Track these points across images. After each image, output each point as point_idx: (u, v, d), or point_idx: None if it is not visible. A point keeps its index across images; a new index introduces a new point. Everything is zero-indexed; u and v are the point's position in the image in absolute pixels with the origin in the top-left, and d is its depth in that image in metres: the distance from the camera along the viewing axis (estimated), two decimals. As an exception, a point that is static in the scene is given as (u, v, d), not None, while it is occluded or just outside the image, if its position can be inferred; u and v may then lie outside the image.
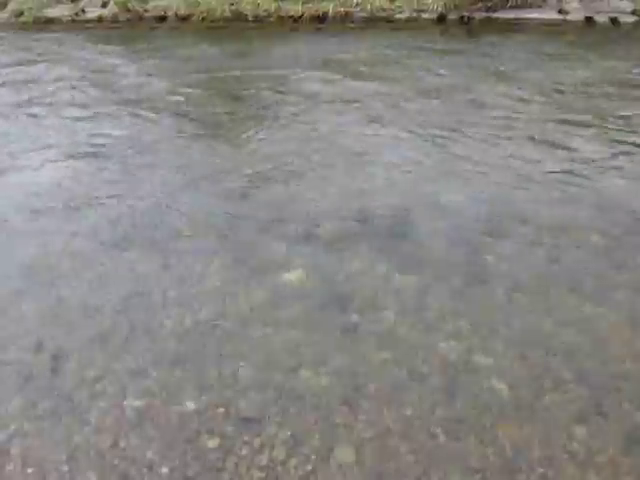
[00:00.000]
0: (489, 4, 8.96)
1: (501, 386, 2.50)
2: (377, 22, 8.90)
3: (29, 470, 2.28)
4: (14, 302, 3.16)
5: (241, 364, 2.69)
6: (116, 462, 2.29)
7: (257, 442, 2.32)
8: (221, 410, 2.48)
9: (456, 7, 9.00)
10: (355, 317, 2.93)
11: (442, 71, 6.48)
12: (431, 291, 3.09)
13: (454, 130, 4.99)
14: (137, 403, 2.54)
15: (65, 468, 2.29)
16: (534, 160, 4.42)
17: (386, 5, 9.27)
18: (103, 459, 2.30)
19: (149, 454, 2.31)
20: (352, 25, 8.81)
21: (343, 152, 4.68)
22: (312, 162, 4.55)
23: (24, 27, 9.36)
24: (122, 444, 2.36)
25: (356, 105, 5.67)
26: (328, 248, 3.47)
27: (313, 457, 2.25)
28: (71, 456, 2.33)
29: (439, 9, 9.01)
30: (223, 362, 2.72)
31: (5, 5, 9.82)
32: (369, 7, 9.22)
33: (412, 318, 2.91)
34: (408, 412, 2.41)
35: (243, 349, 2.78)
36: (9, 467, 2.29)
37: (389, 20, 9.01)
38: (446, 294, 3.06)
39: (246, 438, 2.34)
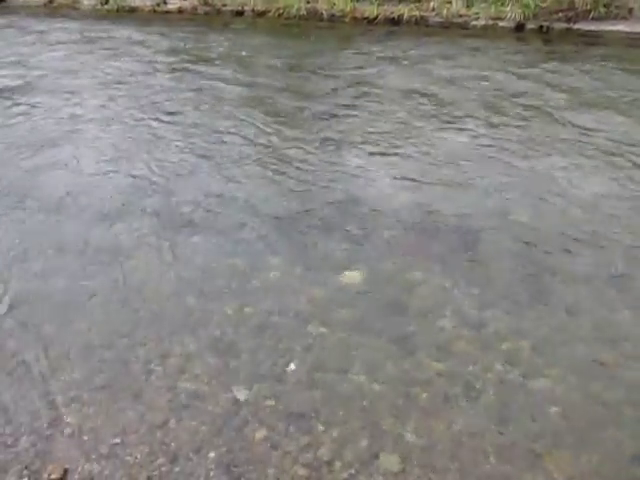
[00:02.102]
0: (570, 14, 8.67)
1: (557, 413, 2.42)
2: (452, 28, 8.75)
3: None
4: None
5: (294, 360, 2.72)
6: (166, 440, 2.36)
7: (303, 439, 2.34)
8: (270, 403, 2.51)
9: (535, 16, 8.76)
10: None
11: (510, 81, 6.29)
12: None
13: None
14: (190, 387, 2.60)
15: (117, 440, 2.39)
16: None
17: (462, 11, 9.12)
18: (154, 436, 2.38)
19: (198, 437, 2.37)
20: (426, 30, 8.71)
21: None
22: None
23: (108, 15, 9.76)
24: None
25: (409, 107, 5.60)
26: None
27: (358, 461, 2.25)
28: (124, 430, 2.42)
29: (517, 18, 8.79)
30: (276, 356, 2.75)
31: (93, -8, 10.30)
32: (445, 12, 9.09)
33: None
34: (458, 428, 2.37)
35: (297, 345, 2.81)
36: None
37: (464, 27, 8.86)
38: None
39: (293, 434, 2.36)
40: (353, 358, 2.73)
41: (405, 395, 2.53)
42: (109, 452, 2.32)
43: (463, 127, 5.18)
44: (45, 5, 10.47)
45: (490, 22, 8.89)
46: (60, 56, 7.59)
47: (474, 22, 8.96)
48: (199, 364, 2.72)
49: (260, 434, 2.37)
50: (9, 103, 6.01)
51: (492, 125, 5.21)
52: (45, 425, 2.44)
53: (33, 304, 3.13)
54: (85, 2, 10.33)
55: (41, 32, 8.76)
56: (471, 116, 5.40)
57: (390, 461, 2.24)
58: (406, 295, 3.13)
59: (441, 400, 2.51)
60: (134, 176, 4.44)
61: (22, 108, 5.88)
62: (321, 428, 2.39)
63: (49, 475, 2.20)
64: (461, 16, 9.05)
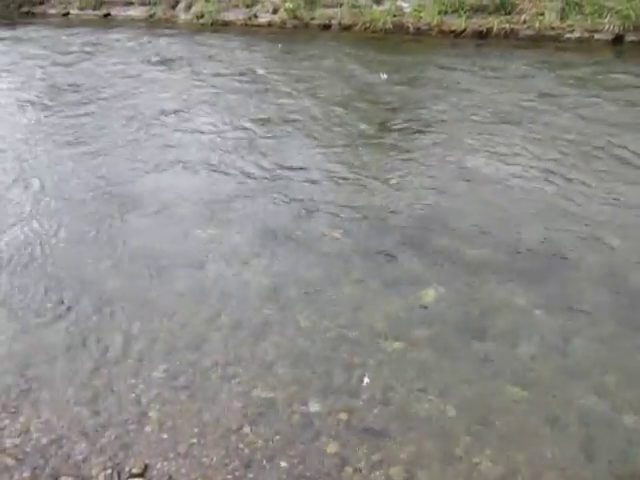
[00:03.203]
0: (677, 25, 8.13)
1: (650, 453, 2.26)
2: (544, 41, 8.46)
3: (164, 437, 2.47)
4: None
5: (368, 375, 2.70)
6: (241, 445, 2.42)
7: (375, 457, 2.32)
8: (343, 417, 2.51)
9: (635, 28, 8.29)
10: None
11: (605, 102, 5.94)
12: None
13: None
14: (265, 394, 2.65)
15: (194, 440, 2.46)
16: None
17: (556, 23, 8.81)
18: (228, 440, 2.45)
19: (271, 445, 2.41)
20: (516, 43, 8.46)
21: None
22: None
23: (202, 28, 10.24)
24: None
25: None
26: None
27: (431, 485, 2.20)
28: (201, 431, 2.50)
29: (615, 30, 8.37)
30: (350, 369, 2.75)
31: (190, 7, 10.85)
32: (537, 25, 8.81)
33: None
34: (538, 460, 2.26)
35: (372, 360, 2.80)
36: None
37: (557, 40, 8.54)
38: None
39: (365, 450, 2.35)
40: (428, 377, 2.68)
41: (482, 420, 2.45)
42: (187, 452, 2.40)
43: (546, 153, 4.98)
44: (145, 19, 11.13)
45: (586, 35, 8.51)
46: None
47: (568, 35, 8.62)
48: (274, 373, 2.77)
49: (332, 448, 2.37)
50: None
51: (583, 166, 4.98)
52: (129, 420, 2.56)
53: (123, 302, 3.31)
54: (182, 17, 10.88)
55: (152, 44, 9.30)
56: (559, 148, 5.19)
57: (465, 489, 2.18)
58: (486, 316, 3.04)
59: (520, 429, 2.41)
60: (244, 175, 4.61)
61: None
62: (393, 447, 2.36)
63: (130, 469, 2.31)
64: (554, 29, 8.73)
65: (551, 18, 8.76)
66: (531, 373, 2.68)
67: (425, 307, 3.13)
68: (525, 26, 8.88)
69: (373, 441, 2.39)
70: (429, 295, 3.20)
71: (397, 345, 2.88)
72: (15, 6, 12.13)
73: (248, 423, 2.52)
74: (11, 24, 11.32)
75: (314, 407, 2.57)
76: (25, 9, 12.14)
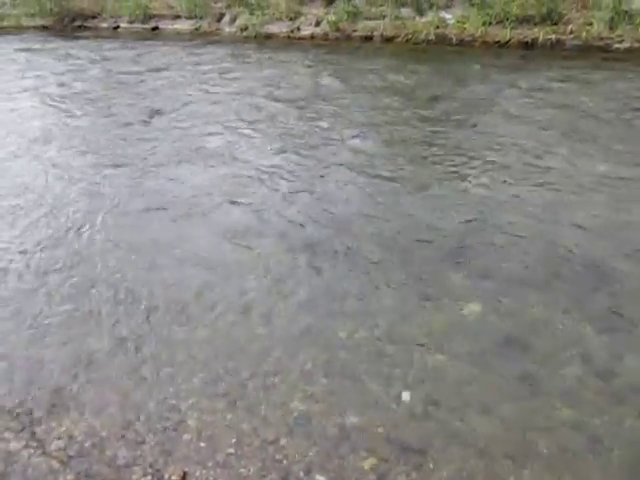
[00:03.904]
0: None
1: None
2: (591, 52, 8.27)
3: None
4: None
5: (407, 389, 2.67)
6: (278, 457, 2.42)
7: (413, 475, 2.28)
8: (381, 431, 2.49)
9: (690, 38, 8.02)
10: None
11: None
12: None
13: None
14: (302, 406, 2.65)
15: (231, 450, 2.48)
16: None
17: (604, 33, 8.60)
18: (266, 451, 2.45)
19: (308, 458, 2.40)
20: (563, 54, 8.29)
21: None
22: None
23: (246, 41, 10.42)
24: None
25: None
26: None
27: (471, 507, 2.15)
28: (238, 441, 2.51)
29: (668, 40, 8.11)
30: (390, 383, 2.72)
31: (234, 20, 11.08)
32: (584, 35, 8.62)
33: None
34: (583, 484, 2.19)
35: (411, 374, 2.76)
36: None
37: (606, 50, 8.34)
38: None
39: (403, 467, 2.32)
40: (469, 394, 2.63)
41: (523, 440, 2.39)
42: (224, 461, 2.42)
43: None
44: (191, 32, 11.40)
45: (636, 45, 8.28)
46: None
47: (617, 45, 8.41)
48: (312, 384, 2.77)
49: (369, 463, 2.35)
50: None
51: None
52: (169, 427, 2.60)
53: (163, 309, 3.37)
54: (226, 29, 11.11)
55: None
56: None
57: (505, 512, 2.12)
58: (529, 333, 2.97)
59: (563, 451, 2.34)
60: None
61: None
62: (432, 465, 2.32)
63: (170, 476, 2.34)
64: (602, 39, 8.52)
65: (599, 28, 8.56)
66: (575, 393, 2.59)
67: (467, 321, 3.08)
68: (572, 36, 8.70)
69: (412, 458, 2.35)
70: (471, 309, 3.15)
71: (438, 360, 2.83)
72: (69, 20, 12.63)
73: (286, 435, 2.53)
74: (64, 37, 11.81)
75: (352, 420, 2.55)
76: (78, 23, 12.62)
